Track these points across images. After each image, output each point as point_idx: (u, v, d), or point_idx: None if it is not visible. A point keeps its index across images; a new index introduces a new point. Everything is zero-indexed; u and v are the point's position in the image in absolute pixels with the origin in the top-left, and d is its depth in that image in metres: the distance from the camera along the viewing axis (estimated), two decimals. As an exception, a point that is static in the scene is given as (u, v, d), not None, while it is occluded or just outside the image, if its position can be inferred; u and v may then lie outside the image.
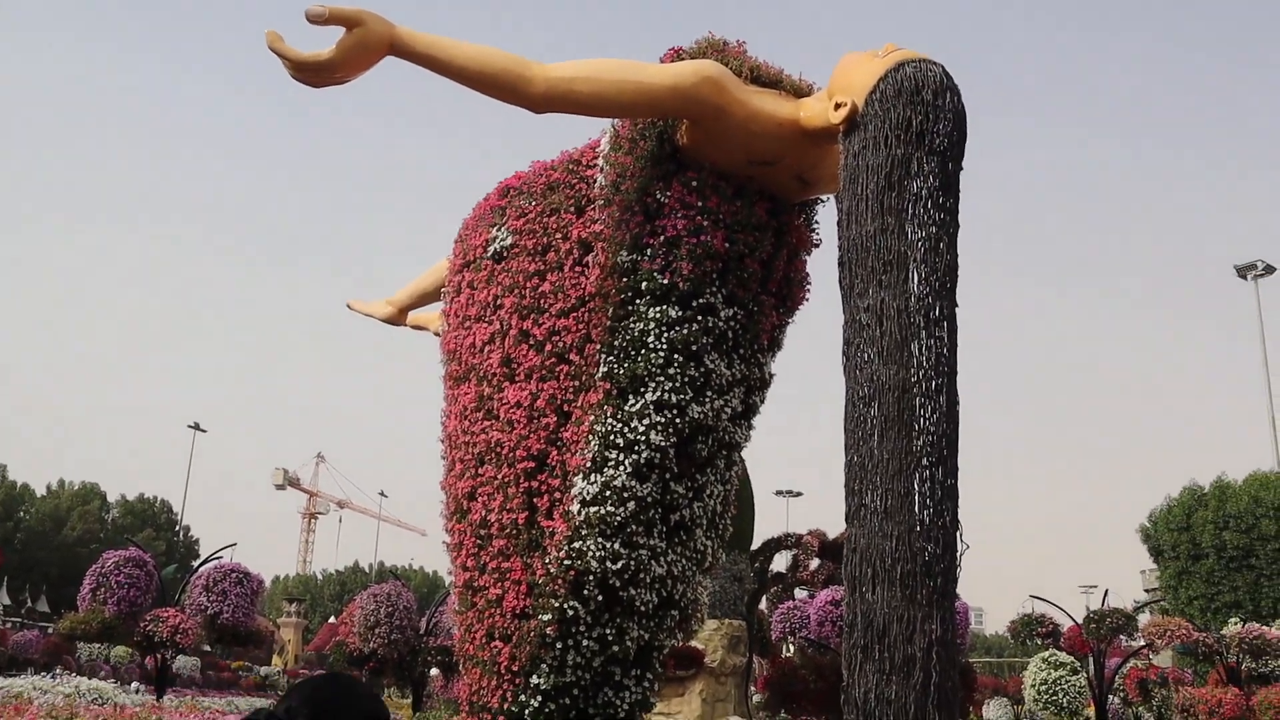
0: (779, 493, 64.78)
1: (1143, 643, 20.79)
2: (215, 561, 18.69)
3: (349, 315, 12.68)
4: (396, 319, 12.07)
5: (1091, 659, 19.33)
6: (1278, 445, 39.22)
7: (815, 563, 22.84)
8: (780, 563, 23.38)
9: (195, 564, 19.85)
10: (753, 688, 21.68)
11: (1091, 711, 20.20)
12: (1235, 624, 22.19)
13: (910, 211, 6.68)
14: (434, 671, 21.65)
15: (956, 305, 6.70)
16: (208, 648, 36.02)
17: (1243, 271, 41.17)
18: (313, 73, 6.64)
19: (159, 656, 17.53)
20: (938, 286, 6.64)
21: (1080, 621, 19.61)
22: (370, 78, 6.96)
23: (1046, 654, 22.47)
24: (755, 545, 22.08)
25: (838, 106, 6.89)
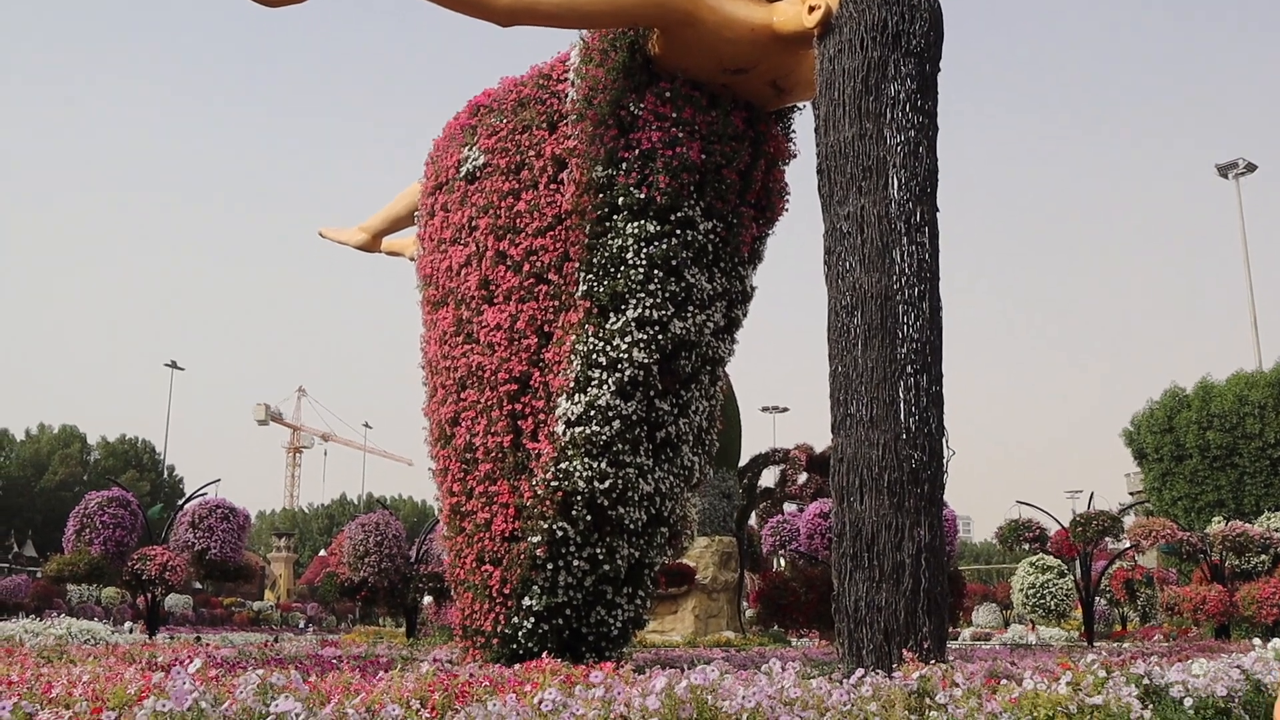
0: (765, 409, 65.01)
1: (1128, 544, 21.05)
2: (200, 498, 18.67)
3: (323, 244, 12.55)
4: (370, 245, 11.93)
5: (1078, 562, 19.57)
6: (1259, 344, 39.62)
7: (803, 477, 23.02)
8: (769, 478, 23.56)
9: (180, 503, 19.81)
10: (745, 602, 21.94)
11: (1079, 613, 20.53)
12: (1218, 523, 22.47)
13: (888, 116, 6.56)
14: (426, 599, 21.81)
15: (937, 210, 6.62)
16: (198, 585, 36.20)
17: (1224, 170, 41.08)
18: (269, -9, 6.45)
19: (149, 595, 17.57)
20: (918, 191, 6.55)
21: (1067, 525, 19.80)
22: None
23: (1034, 558, 22.79)
24: (743, 462, 22.21)
25: (811, 9, 6.73)
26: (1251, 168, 40.64)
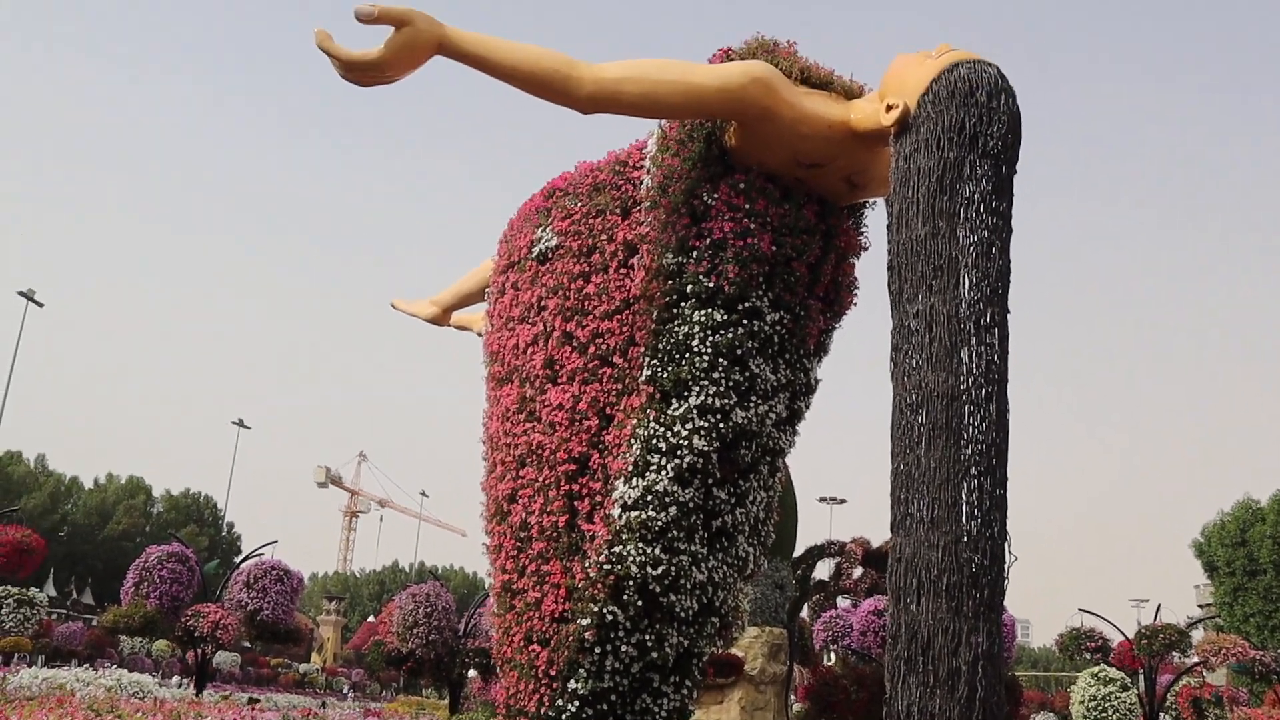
0: (823, 499, 64.35)
1: (1196, 660, 20.37)
2: (256, 558, 18.81)
3: (393, 314, 12.74)
4: (440, 319, 12.07)
5: (1143, 675, 18.97)
6: (1335, 460, 38.43)
7: (858, 571, 22.63)
8: (823, 570, 23.20)
9: (237, 560, 19.97)
10: (793, 697, 21.50)
11: (1141, 728, 19.85)
12: (1293, 643, 21.71)
13: (962, 215, 6.54)
14: (471, 673, 21.63)
15: (1008, 311, 6.56)
16: (247, 644, 36.34)
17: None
18: (361, 72, 6.63)
19: (199, 651, 17.68)
20: (989, 292, 6.49)
21: (1131, 636, 19.23)
22: (421, 74, 6.93)
23: (1096, 669, 22.10)
24: (798, 552, 21.91)
25: (889, 108, 6.77)
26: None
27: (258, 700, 16.26)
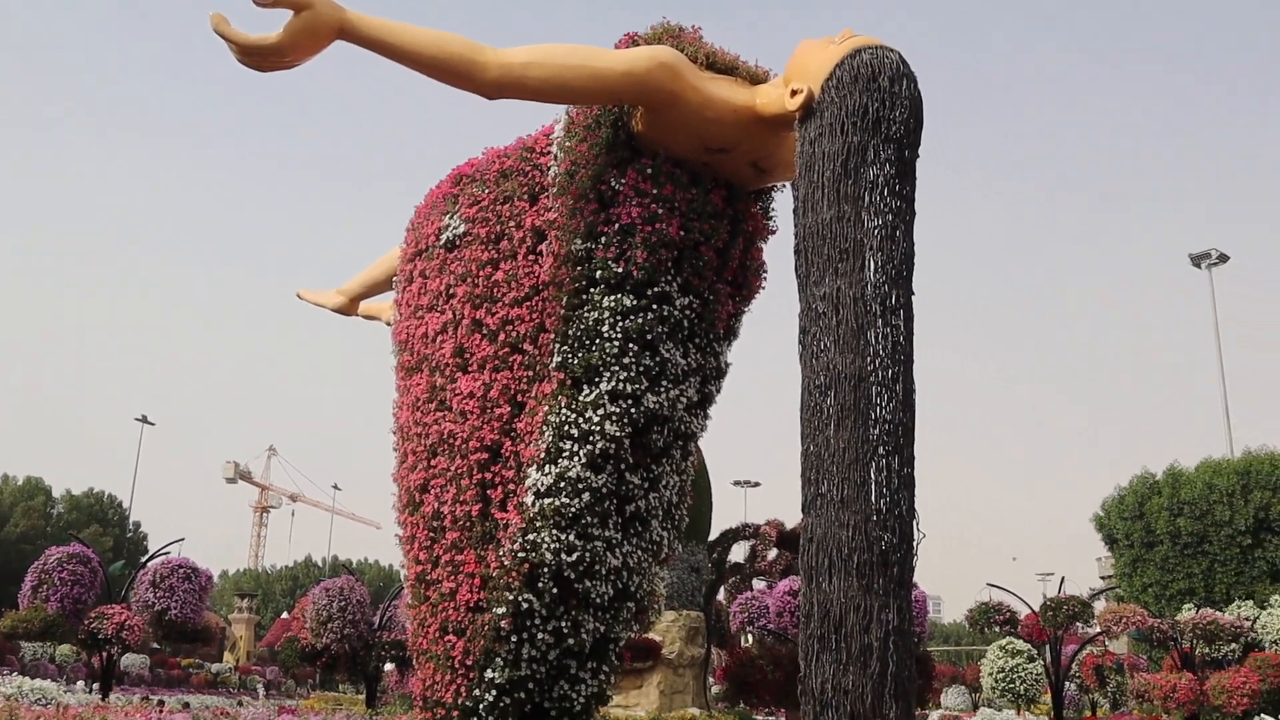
0: (737, 483, 65.00)
1: (1098, 630, 21.04)
2: (163, 557, 18.40)
3: (299, 305, 12.50)
4: (347, 309, 11.90)
5: (1048, 646, 19.51)
6: (1230, 432, 40.01)
7: (773, 553, 22.87)
8: (738, 553, 23.40)
9: (143, 560, 19.49)
10: (711, 678, 21.68)
11: (1048, 698, 20.43)
12: (1189, 610, 22.52)
13: (866, 199, 6.63)
14: (388, 666, 21.45)
15: (913, 293, 6.67)
16: (156, 645, 35.50)
17: (1197, 260, 41.86)
18: (259, 57, 6.48)
19: (104, 654, 17.23)
20: (894, 274, 6.59)
21: (1037, 609, 19.78)
22: (321, 60, 6.80)
23: (1004, 642, 22.68)
24: (713, 536, 22.07)
25: (794, 93, 6.83)
26: (1224, 258, 41.33)
27: (164, 702, 15.93)
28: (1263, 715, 5.12)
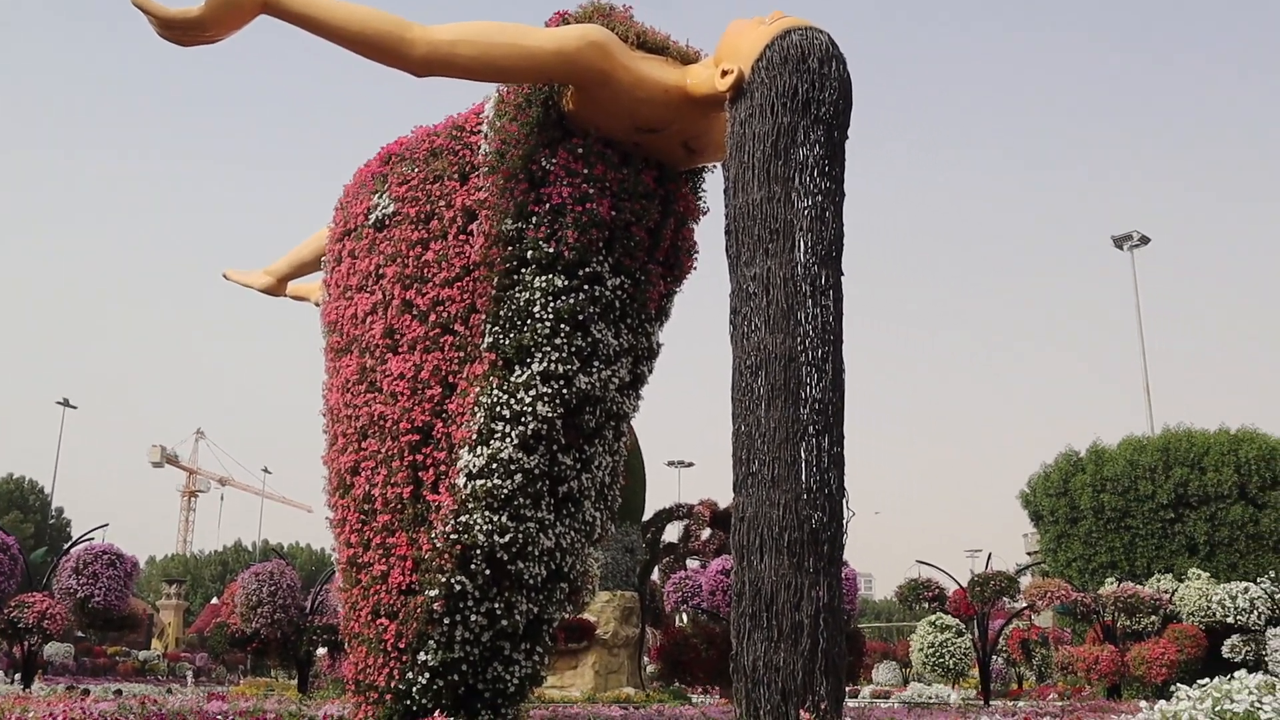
0: (671, 463, 65.28)
1: (1024, 604, 21.48)
2: (86, 543, 18.03)
3: (227, 285, 12.28)
4: (275, 289, 11.73)
5: (976, 621, 19.88)
6: (1151, 410, 41.05)
7: (707, 532, 23.00)
8: (672, 533, 23.51)
9: (66, 546, 19.07)
10: (646, 658, 21.80)
11: (976, 672, 20.84)
12: (1111, 583, 23.10)
13: (797, 180, 6.68)
14: (320, 651, 21.24)
15: (842, 274, 6.73)
16: (80, 634, 34.81)
17: (1119, 242, 42.80)
18: (180, 30, 6.36)
19: (25, 644, 16.86)
20: (824, 255, 6.66)
21: (965, 585, 20.15)
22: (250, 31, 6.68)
23: (933, 618, 23.08)
24: (647, 516, 22.13)
25: (724, 74, 6.85)
26: (1145, 240, 42.24)
27: (89, 691, 15.63)
28: (1179, 685, 5.29)
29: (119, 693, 15.82)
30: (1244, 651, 21.78)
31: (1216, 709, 5.20)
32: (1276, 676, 4.97)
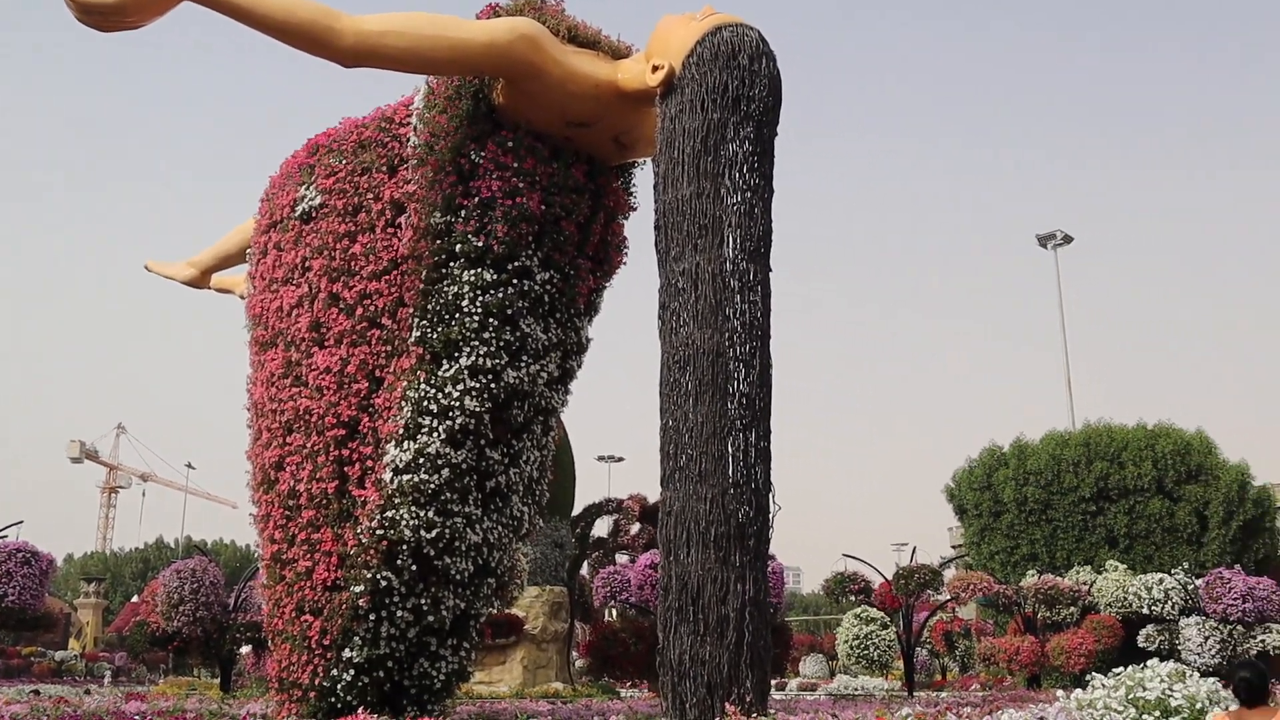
0: (600, 458, 65.13)
1: (948, 597, 21.83)
2: (0, 540, 17.59)
3: (149, 277, 12.05)
4: (199, 281, 11.55)
5: (901, 614, 20.16)
6: (1073, 405, 41.92)
7: (636, 527, 23.05)
8: (602, 528, 23.52)
9: (-21, 544, 18.59)
10: (575, 653, 21.79)
11: (901, 663, 21.16)
12: (1032, 576, 23.56)
13: (726, 176, 6.73)
14: (244, 649, 20.92)
15: (770, 270, 6.80)
16: (-5, 633, 33.89)
17: (1043, 240, 43.63)
18: (100, 15, 6.24)
19: (-62, 644, 16.44)
20: (752, 251, 6.72)
21: (890, 578, 20.43)
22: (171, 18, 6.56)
23: (859, 610, 23.36)
24: (576, 511, 22.13)
25: (655, 69, 6.87)
26: (1068, 239, 43.08)
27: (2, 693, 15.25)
28: (1095, 674, 5.44)
29: (36, 693, 15.44)
30: (1158, 641, 22.34)
31: (1130, 697, 5.36)
32: (1188, 665, 5.13)
